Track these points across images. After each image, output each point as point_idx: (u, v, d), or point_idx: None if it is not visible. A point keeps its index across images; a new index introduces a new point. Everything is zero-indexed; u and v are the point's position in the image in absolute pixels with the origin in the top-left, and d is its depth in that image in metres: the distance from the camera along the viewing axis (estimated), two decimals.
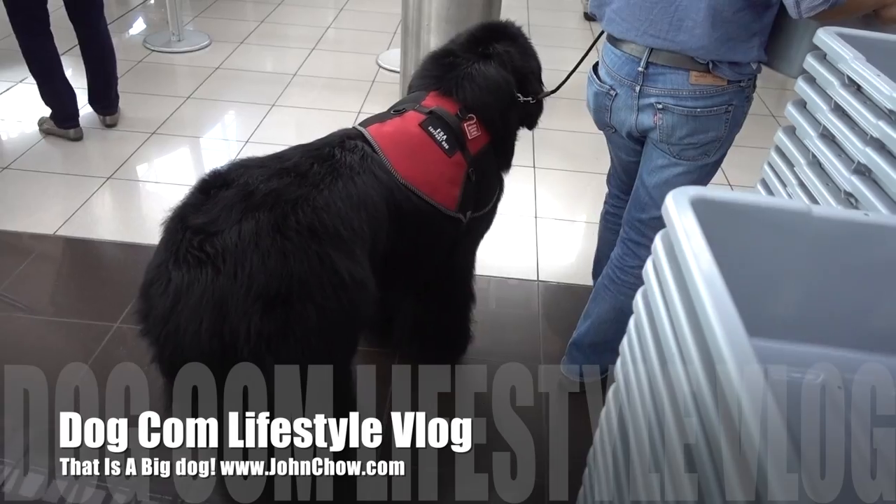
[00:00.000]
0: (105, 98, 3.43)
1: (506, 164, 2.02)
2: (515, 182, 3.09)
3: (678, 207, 0.84)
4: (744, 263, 0.88)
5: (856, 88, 1.09)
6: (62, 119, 3.29)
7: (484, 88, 1.85)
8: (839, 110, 1.14)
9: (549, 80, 2.07)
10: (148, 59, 4.28)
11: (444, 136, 1.74)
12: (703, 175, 1.78)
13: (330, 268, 1.36)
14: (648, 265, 0.91)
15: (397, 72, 4.11)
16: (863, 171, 1.08)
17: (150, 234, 2.73)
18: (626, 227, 1.94)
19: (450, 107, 1.81)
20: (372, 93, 4.05)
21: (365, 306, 1.46)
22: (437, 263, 1.88)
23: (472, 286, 2.08)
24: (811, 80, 1.26)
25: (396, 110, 1.79)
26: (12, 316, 2.30)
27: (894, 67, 1.11)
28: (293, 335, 1.33)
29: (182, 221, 1.38)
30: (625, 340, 0.98)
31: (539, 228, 2.95)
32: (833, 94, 1.13)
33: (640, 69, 1.65)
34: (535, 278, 2.66)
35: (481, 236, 1.99)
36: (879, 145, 1.05)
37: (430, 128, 1.74)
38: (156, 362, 1.43)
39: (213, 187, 1.43)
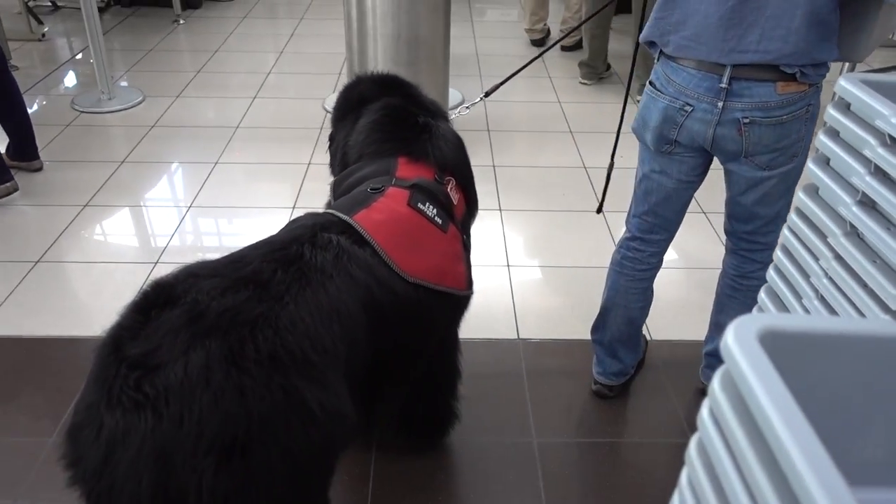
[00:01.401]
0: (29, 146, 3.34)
1: (473, 219, 1.86)
2: (483, 229, 2.91)
3: (742, 346, 0.65)
4: (823, 401, 0.70)
5: None
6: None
7: (457, 147, 1.70)
8: (880, 172, 0.97)
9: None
10: (77, 121, 3.98)
11: (435, 211, 1.55)
12: (794, 177, 1.80)
13: (297, 402, 1.15)
14: (704, 412, 0.71)
15: None
16: None
17: (89, 324, 2.46)
18: (733, 238, 1.98)
19: (425, 172, 1.62)
20: (321, 141, 3.83)
21: (342, 439, 1.25)
22: (429, 350, 1.68)
23: (459, 361, 1.88)
24: (834, 134, 1.09)
25: (374, 188, 1.58)
26: None
27: None
28: (255, 489, 1.11)
29: (117, 351, 1.15)
30: (676, 498, 0.78)
31: (513, 278, 2.76)
32: (872, 156, 0.97)
33: (722, 85, 1.66)
34: (516, 336, 2.46)
35: (467, 307, 1.78)
36: None
37: (419, 205, 1.54)
38: None
39: (154, 306, 1.20)
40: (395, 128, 1.72)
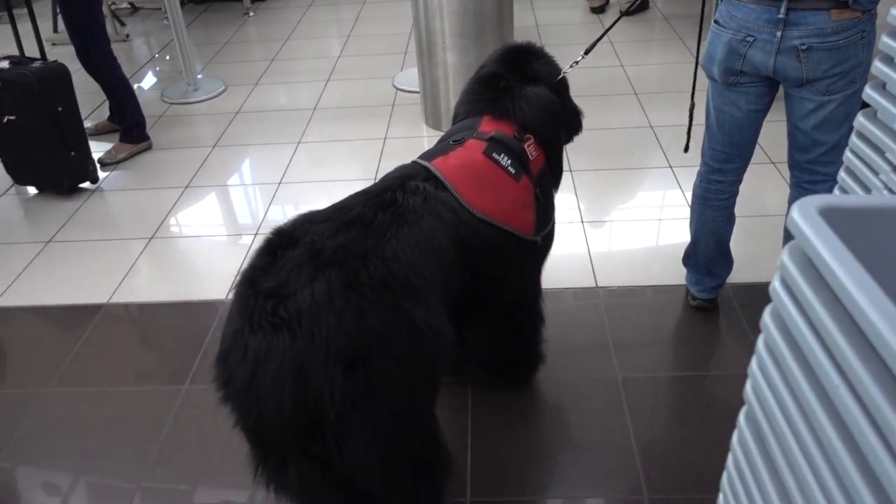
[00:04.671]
0: (120, 124, 3.76)
1: (557, 181, 2.00)
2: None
3: (807, 220, 0.79)
4: (886, 278, 0.83)
5: None
6: (142, 131, 3.76)
7: (540, 109, 1.83)
8: None
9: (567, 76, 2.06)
10: (168, 112, 4.30)
11: (509, 161, 1.71)
12: (853, 103, 1.91)
13: (407, 320, 1.33)
14: (776, 282, 0.85)
15: (416, 92, 4.10)
16: None
17: (202, 289, 2.73)
18: (795, 171, 2.10)
19: (507, 129, 1.78)
20: (394, 116, 4.03)
21: (444, 354, 1.43)
22: (510, 291, 1.84)
23: (542, 307, 2.04)
24: (889, 61, 1.20)
25: (455, 140, 1.75)
26: (80, 392, 2.30)
27: None
28: (377, 394, 1.30)
29: (253, 286, 1.35)
30: (754, 362, 0.93)
31: (588, 233, 2.89)
32: None
33: (780, 16, 1.80)
34: (595, 284, 2.61)
35: (546, 255, 1.95)
36: None
37: (494, 154, 1.71)
38: (240, 428, 1.41)
39: (279, 247, 1.40)
40: (484, 91, 1.88)
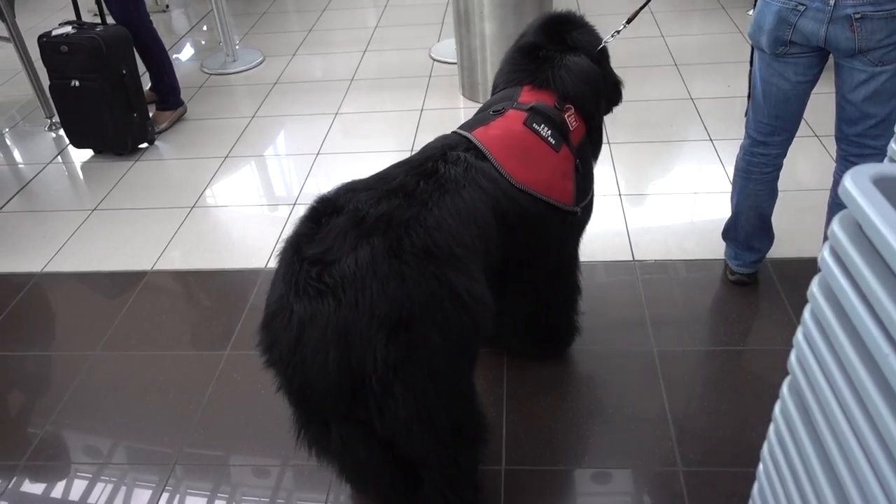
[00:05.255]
0: (156, 91, 3.80)
1: (597, 152, 1.99)
2: None
3: (860, 189, 0.78)
4: None
5: None
6: (178, 97, 3.83)
7: (581, 79, 1.82)
8: None
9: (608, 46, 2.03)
10: (207, 83, 4.34)
11: (549, 132, 1.71)
12: None
13: (448, 288, 1.34)
14: (825, 252, 0.85)
15: (453, 63, 4.08)
16: None
17: (241, 258, 2.78)
18: (842, 144, 2.05)
19: (547, 99, 1.77)
20: (431, 87, 4.02)
21: (484, 322, 1.44)
22: (548, 262, 1.85)
23: (579, 278, 2.04)
24: None
25: (495, 110, 1.75)
26: (125, 356, 2.37)
27: None
28: (418, 359, 1.32)
29: (298, 252, 1.37)
30: (799, 332, 0.93)
31: (625, 206, 2.87)
32: None
33: None
34: (631, 258, 2.59)
35: (584, 227, 1.95)
36: None
37: (534, 125, 1.71)
38: (284, 392, 1.44)
39: (323, 215, 1.42)
40: (524, 61, 1.87)
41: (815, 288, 0.88)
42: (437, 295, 1.34)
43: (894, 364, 0.71)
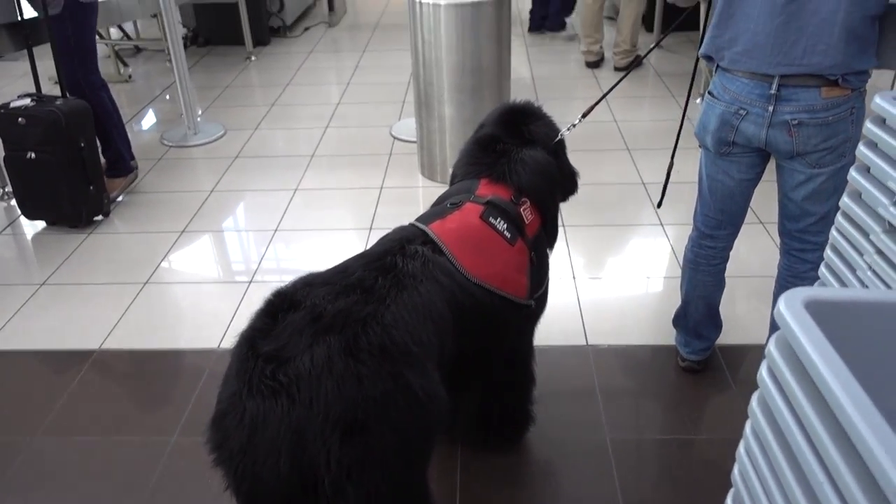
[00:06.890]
0: (105, 158, 3.76)
1: (552, 241, 2.03)
2: None
3: (792, 314, 0.82)
4: (860, 360, 0.85)
5: None
6: (127, 164, 3.81)
7: (536, 173, 1.87)
8: None
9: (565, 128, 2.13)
10: (167, 155, 4.34)
11: (505, 226, 1.75)
12: (843, 176, 1.97)
13: (404, 387, 1.34)
14: (763, 371, 0.88)
15: (413, 141, 4.16)
16: None
17: (194, 337, 2.73)
18: (785, 238, 2.15)
19: (503, 192, 1.82)
20: (391, 165, 4.09)
21: (440, 419, 1.44)
22: (503, 353, 1.86)
23: (533, 367, 2.06)
24: (872, 146, 1.25)
25: (453, 203, 1.79)
26: (66, 441, 2.28)
27: None
28: (373, 460, 1.31)
29: (252, 348, 1.36)
30: (742, 446, 0.95)
31: (579, 290, 2.92)
32: None
33: (771, 92, 1.86)
34: (585, 342, 2.62)
35: (539, 317, 1.98)
36: None
37: (490, 219, 1.74)
38: (232, 492, 1.40)
39: (279, 310, 1.41)
40: (482, 154, 1.93)
41: (754, 404, 0.91)
42: (393, 395, 1.34)
43: (828, 492, 0.73)
